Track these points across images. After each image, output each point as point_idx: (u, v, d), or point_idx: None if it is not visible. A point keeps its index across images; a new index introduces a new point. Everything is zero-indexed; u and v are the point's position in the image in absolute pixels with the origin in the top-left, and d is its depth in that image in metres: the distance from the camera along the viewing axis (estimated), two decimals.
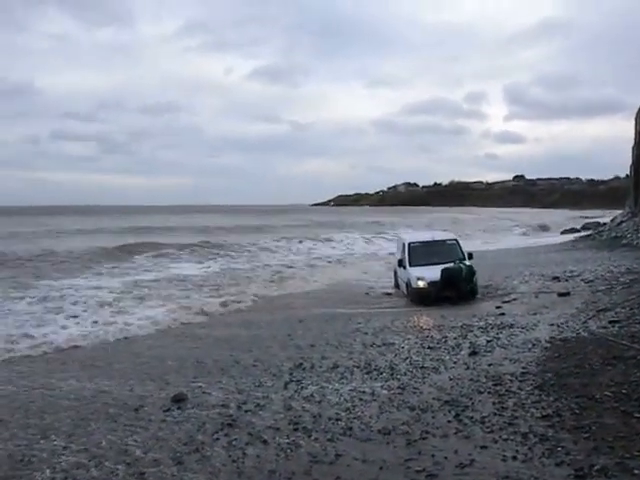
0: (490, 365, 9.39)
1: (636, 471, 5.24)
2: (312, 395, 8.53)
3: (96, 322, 15.11)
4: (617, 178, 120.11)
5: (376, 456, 6.17)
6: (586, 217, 75.13)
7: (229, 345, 12.68)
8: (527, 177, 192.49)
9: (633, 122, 43.74)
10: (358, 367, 9.91)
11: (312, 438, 6.88)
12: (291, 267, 28.21)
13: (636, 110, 42.66)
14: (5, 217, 73.19)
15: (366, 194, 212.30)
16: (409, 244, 19.37)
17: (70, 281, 21.88)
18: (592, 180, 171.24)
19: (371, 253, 36.66)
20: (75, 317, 15.55)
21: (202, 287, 21.39)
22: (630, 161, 47.97)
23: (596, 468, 5.37)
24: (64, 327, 14.53)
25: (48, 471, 6.42)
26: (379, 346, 11.42)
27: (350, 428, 7.09)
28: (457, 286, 17.20)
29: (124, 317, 15.72)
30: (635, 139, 45.92)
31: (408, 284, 18.24)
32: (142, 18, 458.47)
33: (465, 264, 17.60)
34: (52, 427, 7.80)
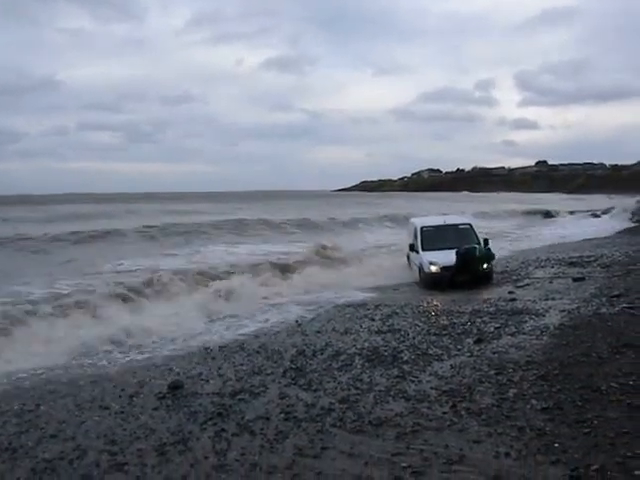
0: (495, 353, 8.93)
1: (637, 472, 4.77)
2: (309, 383, 8.15)
3: None
4: None
5: (363, 450, 5.77)
6: None
7: None
8: (550, 163, 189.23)
9: None
10: (360, 355, 9.51)
11: (301, 429, 6.50)
12: None
13: None
14: (65, 204, 72.81)
15: (389, 180, 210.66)
16: (421, 228, 18.85)
17: None
18: (616, 165, 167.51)
19: None
20: None
21: None
22: None
23: (594, 468, 4.91)
24: None
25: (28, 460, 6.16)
26: (384, 333, 10.99)
27: (342, 419, 6.70)
28: (472, 268, 16.63)
29: None
30: None
31: (420, 269, 17.72)
32: (152, 13, 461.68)
33: (480, 246, 17.05)
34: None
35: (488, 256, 17.03)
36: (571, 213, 55.38)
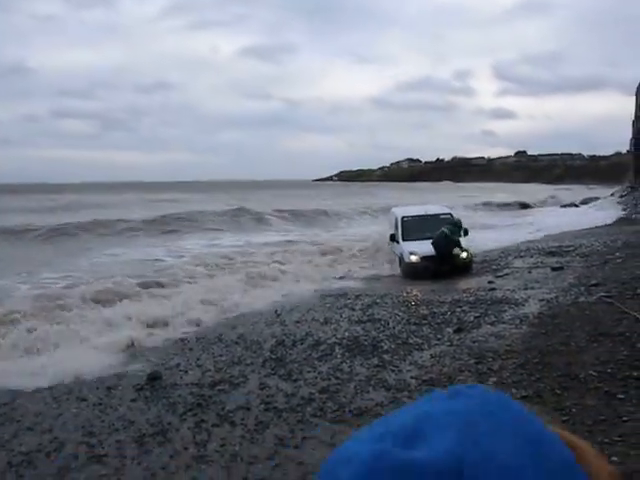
0: (474, 342, 8.98)
1: (614, 458, 4.82)
2: (289, 374, 8.13)
3: None
4: (618, 153, 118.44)
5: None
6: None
7: None
8: (529, 153, 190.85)
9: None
10: (340, 344, 9.50)
11: (282, 419, 6.49)
12: None
13: (624, 85, 42.08)
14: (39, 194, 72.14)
15: (369, 170, 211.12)
16: (402, 218, 18.86)
17: None
18: (594, 156, 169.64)
19: None
20: None
21: None
22: (630, 135, 47.27)
23: None
24: None
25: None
26: (364, 322, 11.00)
27: (322, 409, 6.70)
28: (447, 251, 16.74)
29: None
30: (635, 113, 45.18)
31: (401, 259, 17.76)
32: None
33: (448, 227, 17.12)
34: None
35: (460, 230, 17.31)
36: (548, 205, 55.30)
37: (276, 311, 12.74)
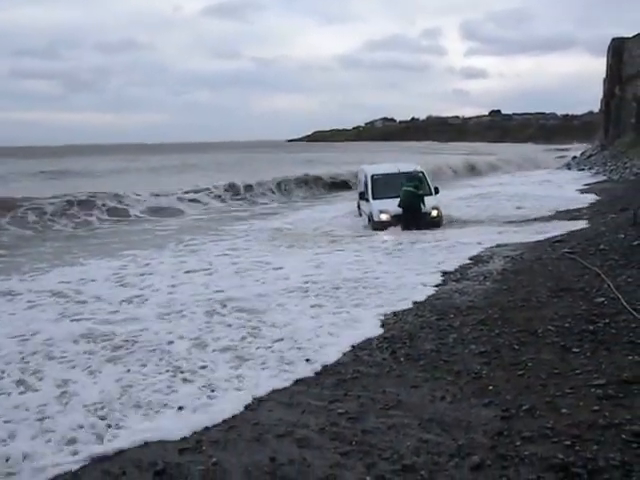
0: (438, 299, 9.01)
1: (564, 410, 4.87)
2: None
3: None
4: (590, 113, 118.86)
5: (302, 399, 5.74)
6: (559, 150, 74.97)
7: None
8: (503, 112, 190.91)
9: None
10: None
11: None
12: None
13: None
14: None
15: (343, 130, 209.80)
16: (372, 176, 18.76)
17: None
18: (567, 115, 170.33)
19: None
20: None
21: None
22: (601, 95, 47.47)
23: (524, 408, 4.99)
24: None
25: None
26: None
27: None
28: (415, 207, 16.76)
29: None
30: (606, 72, 45.26)
31: (370, 217, 17.74)
32: None
33: (412, 183, 17.10)
34: None
35: (423, 184, 17.50)
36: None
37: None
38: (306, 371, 6.50)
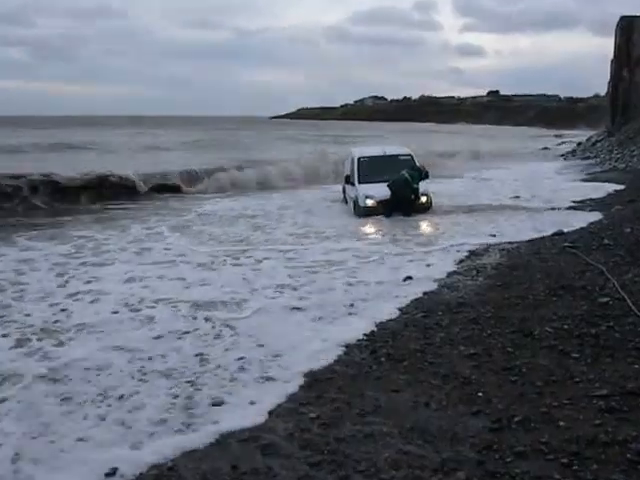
0: (425, 294, 8.86)
1: (562, 423, 4.73)
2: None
3: None
4: (597, 96, 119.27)
5: (272, 400, 5.57)
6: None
7: None
8: (502, 93, 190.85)
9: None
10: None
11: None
12: None
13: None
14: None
15: (331, 108, 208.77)
16: (358, 159, 18.60)
17: None
18: (571, 98, 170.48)
19: None
20: None
21: None
22: (608, 77, 47.50)
23: (517, 419, 4.83)
24: None
25: None
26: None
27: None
28: (405, 194, 16.65)
29: None
30: (614, 53, 45.23)
31: (356, 202, 17.54)
32: None
33: (410, 172, 16.97)
34: None
35: (420, 176, 17.26)
36: None
37: None
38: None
